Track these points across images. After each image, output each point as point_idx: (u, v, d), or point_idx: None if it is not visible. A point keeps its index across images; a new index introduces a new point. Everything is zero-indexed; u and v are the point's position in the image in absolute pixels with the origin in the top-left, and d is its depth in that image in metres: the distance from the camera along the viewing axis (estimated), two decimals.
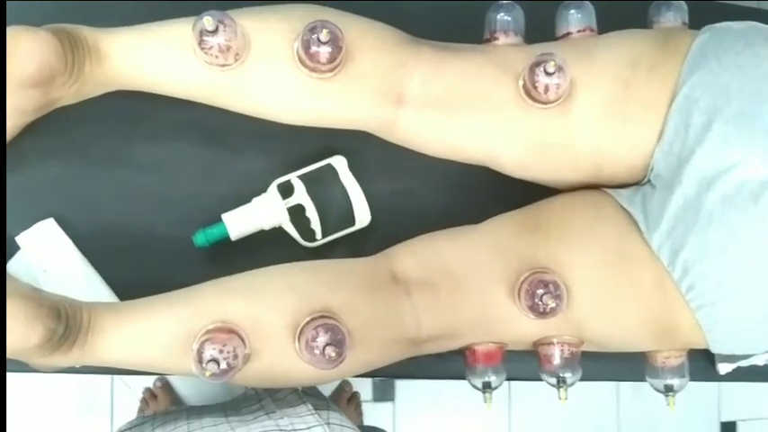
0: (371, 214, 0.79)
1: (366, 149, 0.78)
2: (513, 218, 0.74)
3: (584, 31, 0.73)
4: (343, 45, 0.65)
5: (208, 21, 0.63)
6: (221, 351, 0.61)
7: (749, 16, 0.70)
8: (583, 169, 0.72)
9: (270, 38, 0.67)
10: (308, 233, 0.78)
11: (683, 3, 0.75)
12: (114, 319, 0.65)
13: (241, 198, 0.76)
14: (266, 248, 0.77)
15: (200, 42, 0.64)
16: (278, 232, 0.77)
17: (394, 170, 0.81)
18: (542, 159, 0.72)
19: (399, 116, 0.71)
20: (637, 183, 0.72)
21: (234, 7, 0.68)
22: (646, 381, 0.76)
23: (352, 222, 0.79)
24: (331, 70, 0.67)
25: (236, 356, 0.61)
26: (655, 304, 0.67)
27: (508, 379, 0.74)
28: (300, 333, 0.63)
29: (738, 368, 0.83)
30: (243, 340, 0.63)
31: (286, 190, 0.77)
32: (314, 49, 0.64)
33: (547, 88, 0.66)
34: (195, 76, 0.68)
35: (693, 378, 0.75)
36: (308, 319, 0.64)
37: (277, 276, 0.70)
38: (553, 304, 0.65)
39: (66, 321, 0.62)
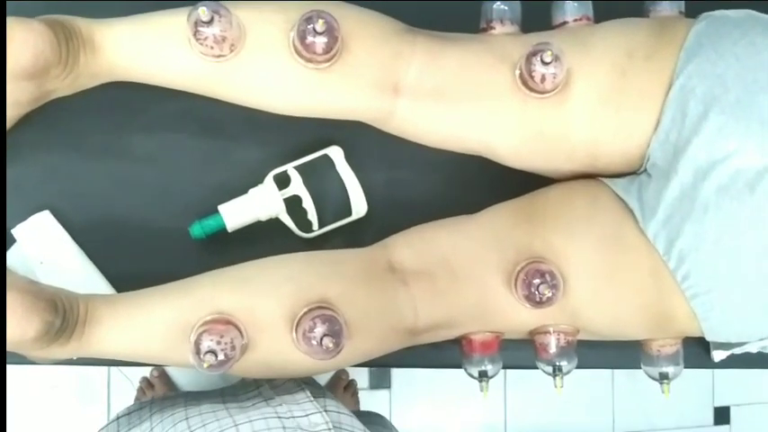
0: (368, 204, 0.79)
1: (362, 140, 0.78)
2: (509, 207, 0.74)
3: (580, 19, 0.73)
4: (339, 35, 0.65)
5: (203, 11, 0.62)
6: (219, 342, 0.61)
7: (745, 4, 0.70)
8: (579, 158, 0.72)
9: (265, 28, 0.67)
10: (304, 224, 0.78)
11: None
12: (111, 311, 0.65)
13: (237, 189, 0.76)
14: (263, 239, 0.77)
15: (196, 33, 0.64)
16: (274, 223, 0.77)
17: (390, 160, 0.81)
18: (539, 149, 0.72)
19: (396, 106, 0.71)
20: (633, 172, 0.72)
21: None
22: (641, 368, 0.76)
23: (349, 213, 0.79)
24: (327, 60, 0.66)
25: (233, 347, 0.61)
26: (650, 293, 0.68)
27: (504, 367, 0.75)
28: (298, 324, 0.64)
29: (732, 355, 0.84)
30: (240, 331, 0.63)
31: (282, 181, 0.77)
32: (310, 39, 0.64)
33: (543, 78, 0.66)
34: (190, 66, 0.68)
35: (688, 365, 0.75)
36: (305, 309, 0.64)
37: (274, 267, 0.70)
38: (549, 294, 0.66)
39: (63, 314, 0.62)
